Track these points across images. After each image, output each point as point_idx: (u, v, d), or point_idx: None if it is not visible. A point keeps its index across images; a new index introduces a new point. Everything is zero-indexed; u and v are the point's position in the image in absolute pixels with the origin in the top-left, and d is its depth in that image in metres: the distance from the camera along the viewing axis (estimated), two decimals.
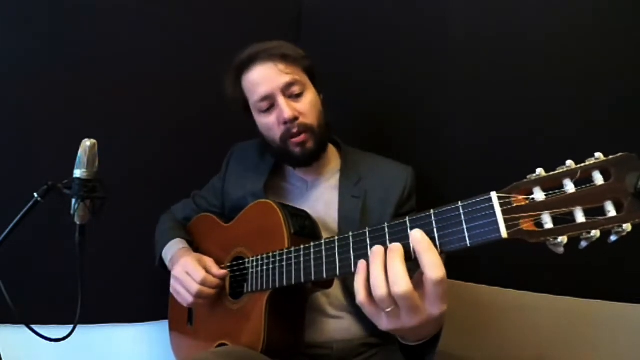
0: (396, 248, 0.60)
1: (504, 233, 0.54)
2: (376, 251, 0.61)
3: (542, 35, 1.10)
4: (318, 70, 1.09)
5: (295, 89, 1.00)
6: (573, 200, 0.51)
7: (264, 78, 1.00)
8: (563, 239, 0.52)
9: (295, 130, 0.99)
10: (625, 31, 1.01)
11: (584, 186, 0.51)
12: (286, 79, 0.99)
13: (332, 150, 1.14)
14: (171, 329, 1.20)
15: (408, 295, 0.56)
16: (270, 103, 1.00)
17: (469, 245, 0.57)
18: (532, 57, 1.11)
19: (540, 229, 0.53)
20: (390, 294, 0.57)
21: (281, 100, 0.99)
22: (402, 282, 0.56)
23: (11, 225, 0.78)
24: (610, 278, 1.05)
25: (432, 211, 0.61)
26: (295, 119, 0.99)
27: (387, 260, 0.59)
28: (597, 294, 1.06)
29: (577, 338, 1.11)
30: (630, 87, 1.00)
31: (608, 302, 1.05)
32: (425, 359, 0.73)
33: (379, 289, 0.58)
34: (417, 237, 0.59)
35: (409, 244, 0.60)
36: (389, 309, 0.58)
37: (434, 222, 0.60)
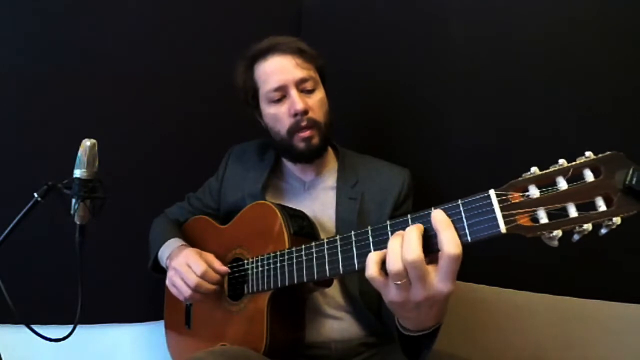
0: (416, 226, 0.61)
1: (502, 228, 0.56)
2: (397, 232, 0.63)
3: (542, 35, 1.11)
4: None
5: (308, 85, 1.02)
6: (566, 196, 0.54)
7: (279, 69, 1.01)
8: (558, 233, 0.54)
9: (304, 123, 1.00)
10: (625, 31, 1.01)
11: (575, 183, 0.54)
12: (302, 73, 1.01)
13: (329, 151, 1.14)
14: (167, 331, 1.20)
15: (418, 263, 0.57)
16: (282, 94, 1.01)
17: (469, 240, 0.59)
18: (531, 57, 1.12)
19: (536, 224, 0.56)
20: (404, 266, 0.58)
21: (294, 92, 1.00)
22: (414, 250, 0.58)
23: (11, 225, 0.78)
24: (610, 278, 1.05)
25: (432, 209, 0.62)
26: (306, 112, 1.00)
27: (405, 233, 0.60)
28: (597, 294, 1.06)
29: (577, 338, 1.11)
30: (629, 87, 1.01)
31: (608, 302, 1.05)
32: (423, 352, 0.74)
33: (394, 263, 0.59)
34: (439, 216, 0.60)
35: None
36: (399, 282, 0.59)
37: None
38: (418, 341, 0.72)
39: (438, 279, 0.59)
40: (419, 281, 0.59)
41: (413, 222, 0.64)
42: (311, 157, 1.05)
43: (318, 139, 1.02)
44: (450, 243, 0.57)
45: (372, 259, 0.62)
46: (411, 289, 0.60)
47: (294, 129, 1.01)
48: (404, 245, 0.59)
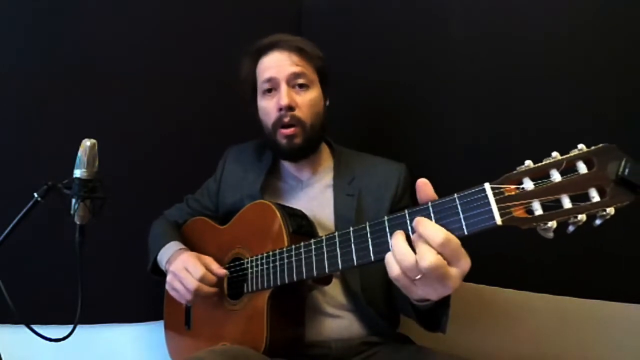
0: (423, 221, 0.61)
1: (498, 220, 0.57)
2: (397, 231, 0.64)
3: (542, 35, 1.11)
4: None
5: (300, 81, 1.02)
6: (560, 188, 0.55)
7: (275, 63, 1.03)
8: (552, 224, 0.55)
9: (286, 119, 1.00)
10: (625, 31, 1.02)
11: (569, 175, 0.55)
12: (294, 69, 1.01)
13: (325, 149, 1.14)
14: (167, 331, 1.20)
15: (434, 266, 0.58)
16: (273, 87, 1.03)
17: (466, 233, 0.60)
18: (531, 57, 1.12)
19: (531, 216, 0.57)
20: (416, 264, 0.59)
21: (283, 87, 1.01)
22: (428, 255, 0.58)
23: (11, 225, 0.79)
24: (610, 278, 1.05)
25: (429, 203, 0.64)
26: (291, 108, 1.00)
27: (414, 235, 0.61)
28: (597, 294, 1.06)
29: (577, 338, 1.11)
30: (629, 87, 1.01)
31: (608, 302, 1.05)
32: (442, 320, 0.77)
33: (405, 261, 0.60)
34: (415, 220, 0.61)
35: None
36: (418, 277, 0.60)
37: (432, 214, 0.63)
38: (435, 311, 0.75)
39: (453, 267, 0.59)
40: (442, 279, 0.59)
41: (410, 216, 0.65)
42: (293, 155, 1.05)
43: (301, 139, 1.02)
44: (433, 233, 0.59)
45: (391, 259, 0.62)
46: (435, 285, 0.60)
47: (277, 125, 1.02)
48: (418, 254, 0.59)
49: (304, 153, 1.05)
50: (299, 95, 1.02)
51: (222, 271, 0.98)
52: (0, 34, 1.24)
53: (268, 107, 1.03)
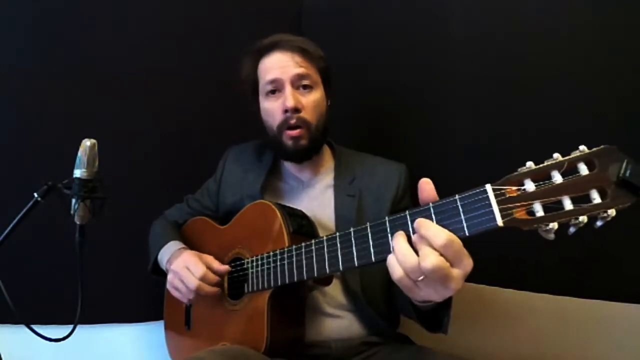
0: (424, 223, 0.61)
1: (499, 222, 0.57)
2: (398, 232, 0.64)
3: (542, 34, 1.11)
4: None
5: (304, 83, 1.02)
6: (561, 189, 0.55)
7: (278, 64, 1.02)
8: (553, 225, 0.55)
9: (293, 121, 1.00)
10: (625, 31, 1.02)
11: (570, 176, 0.55)
12: (298, 70, 1.01)
13: (326, 150, 1.14)
14: (167, 331, 1.20)
15: (437, 267, 0.58)
16: (277, 89, 1.02)
17: (467, 234, 0.60)
18: (531, 56, 1.12)
19: (532, 217, 0.56)
20: (418, 264, 0.59)
21: (288, 88, 1.00)
22: (430, 257, 0.58)
23: (11, 225, 0.79)
24: (610, 278, 1.05)
25: (430, 204, 0.64)
26: (297, 110, 1.00)
27: (415, 237, 0.61)
28: (597, 294, 1.06)
29: (577, 338, 1.11)
30: (629, 87, 1.01)
31: (608, 302, 1.05)
32: (444, 321, 0.77)
33: (407, 262, 0.60)
34: (418, 222, 0.61)
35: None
36: (421, 278, 0.60)
37: (433, 215, 0.63)
38: (437, 312, 0.75)
39: (455, 268, 0.59)
40: (444, 280, 0.59)
41: (411, 217, 0.65)
42: (298, 157, 1.05)
43: (307, 140, 1.02)
44: (436, 234, 0.58)
45: (393, 261, 0.62)
46: (437, 288, 0.60)
47: (283, 126, 1.01)
48: (420, 254, 0.59)
49: (308, 154, 1.05)
50: (303, 96, 1.02)
51: (223, 267, 0.98)
52: (0, 34, 1.24)
53: (273, 109, 1.03)
